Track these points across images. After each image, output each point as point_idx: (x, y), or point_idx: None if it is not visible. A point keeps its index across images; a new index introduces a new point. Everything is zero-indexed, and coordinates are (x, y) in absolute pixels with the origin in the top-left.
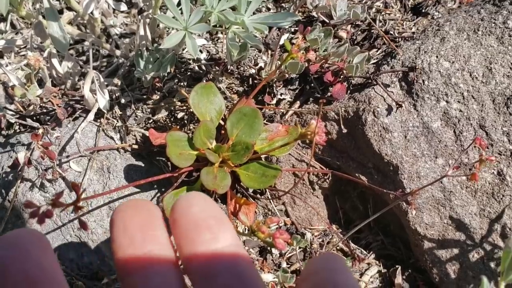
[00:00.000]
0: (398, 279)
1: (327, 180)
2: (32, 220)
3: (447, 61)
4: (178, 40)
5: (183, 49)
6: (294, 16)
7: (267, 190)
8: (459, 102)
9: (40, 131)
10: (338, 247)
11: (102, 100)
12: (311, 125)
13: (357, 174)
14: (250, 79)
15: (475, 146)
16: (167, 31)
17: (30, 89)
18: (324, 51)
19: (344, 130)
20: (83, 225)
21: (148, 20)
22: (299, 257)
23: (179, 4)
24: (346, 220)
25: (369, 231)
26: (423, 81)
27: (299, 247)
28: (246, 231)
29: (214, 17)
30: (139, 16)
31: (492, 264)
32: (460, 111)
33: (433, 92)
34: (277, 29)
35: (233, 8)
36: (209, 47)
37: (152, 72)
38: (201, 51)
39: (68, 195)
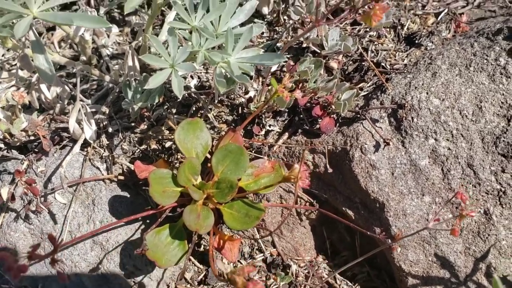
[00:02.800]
0: None
1: (314, 212)
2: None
3: (437, 98)
4: (164, 79)
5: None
6: (280, 58)
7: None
8: (448, 140)
9: (26, 163)
10: (323, 280)
11: (88, 131)
12: (294, 170)
13: (344, 208)
14: (240, 108)
15: (462, 185)
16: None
17: (15, 123)
18: (314, 83)
19: (330, 170)
20: (62, 278)
21: (139, 43)
22: None
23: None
24: (333, 250)
25: (355, 263)
26: (412, 118)
27: (283, 283)
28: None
29: (201, 56)
30: (127, 47)
31: None
32: (449, 149)
33: (422, 130)
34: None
35: (222, 46)
36: (200, 72)
37: (140, 103)
38: (192, 77)
39: (53, 227)
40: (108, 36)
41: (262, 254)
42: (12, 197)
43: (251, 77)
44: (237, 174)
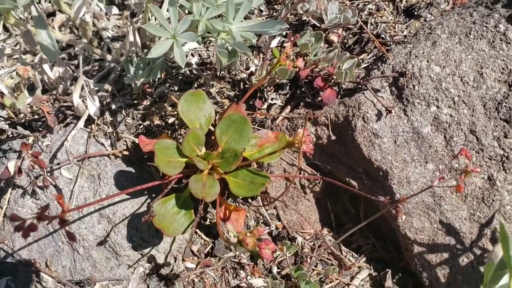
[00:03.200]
0: (388, 283)
1: (318, 184)
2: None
3: (438, 66)
4: (165, 49)
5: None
6: (282, 24)
7: (258, 195)
8: (449, 107)
9: (31, 139)
10: (329, 251)
11: (92, 107)
12: (298, 134)
13: (347, 179)
14: (241, 83)
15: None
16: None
17: (20, 98)
18: (314, 56)
19: (333, 137)
20: (71, 236)
21: (139, 24)
22: (290, 261)
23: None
24: (337, 223)
25: (360, 234)
26: (413, 86)
27: (289, 253)
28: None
29: (202, 25)
30: (128, 23)
31: (482, 268)
32: (451, 116)
33: (424, 97)
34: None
35: (222, 16)
36: (201, 50)
37: (142, 78)
38: (192, 55)
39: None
40: (108, 19)
41: (267, 227)
42: (19, 171)
43: (252, 51)
44: (241, 144)
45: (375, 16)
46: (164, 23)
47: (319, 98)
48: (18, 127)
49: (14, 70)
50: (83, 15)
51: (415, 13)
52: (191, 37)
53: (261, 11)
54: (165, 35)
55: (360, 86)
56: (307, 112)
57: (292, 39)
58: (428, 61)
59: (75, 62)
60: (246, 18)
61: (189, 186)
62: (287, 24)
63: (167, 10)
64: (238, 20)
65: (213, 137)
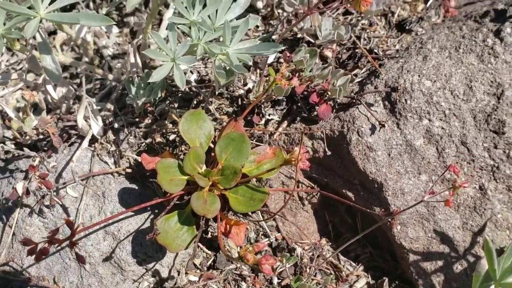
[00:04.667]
0: None
1: (316, 196)
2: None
3: (429, 80)
4: (166, 73)
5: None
6: (277, 47)
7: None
8: (441, 120)
9: (37, 160)
10: (327, 261)
11: (95, 127)
12: (295, 152)
13: (344, 191)
14: (239, 99)
15: (457, 163)
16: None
17: (26, 121)
18: (310, 72)
19: (329, 153)
20: (81, 260)
21: (140, 41)
22: (290, 272)
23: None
24: (335, 233)
25: (358, 244)
26: (405, 100)
27: (289, 263)
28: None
29: (201, 48)
30: (129, 45)
31: None
32: (442, 128)
33: (416, 111)
34: None
35: (219, 38)
36: (200, 67)
37: (143, 98)
38: (191, 72)
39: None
40: (108, 37)
41: (267, 239)
42: (27, 192)
43: (249, 68)
44: (240, 161)
45: (368, 31)
46: (164, 47)
47: (315, 113)
48: (24, 148)
49: (18, 90)
50: (84, 35)
51: (407, 27)
52: (190, 60)
53: (257, 26)
54: (165, 58)
55: (354, 100)
56: (302, 132)
57: (287, 58)
58: (419, 76)
59: (77, 80)
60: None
61: (191, 203)
62: (282, 44)
63: (166, 28)
64: (235, 43)
65: (213, 154)
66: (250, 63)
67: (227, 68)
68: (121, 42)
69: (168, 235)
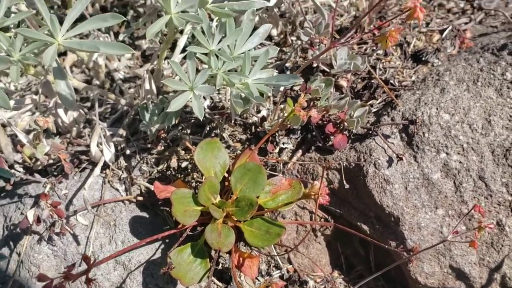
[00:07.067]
0: None
1: (329, 228)
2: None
3: (447, 113)
4: (184, 102)
5: None
6: (296, 78)
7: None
8: (459, 153)
9: (48, 187)
10: None
11: (108, 154)
12: (314, 187)
13: (358, 223)
14: (253, 126)
15: (474, 197)
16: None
17: (39, 147)
18: (325, 101)
19: (346, 186)
20: None
21: (153, 67)
22: None
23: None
24: (347, 265)
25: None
26: (423, 133)
27: None
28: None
29: (220, 78)
30: (144, 71)
31: None
32: (460, 162)
33: (433, 144)
34: None
35: (237, 68)
36: (213, 94)
37: (157, 125)
38: (204, 98)
39: (76, 249)
40: (119, 60)
41: (279, 271)
42: (38, 220)
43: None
44: (255, 192)
45: (383, 61)
46: (183, 76)
47: (330, 143)
48: (35, 174)
49: (27, 112)
50: (96, 58)
51: (423, 58)
52: (208, 90)
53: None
54: (184, 88)
55: (370, 131)
56: (323, 166)
57: (305, 90)
58: (437, 109)
59: (88, 104)
60: None
61: (205, 236)
62: (300, 74)
63: (180, 53)
64: (254, 73)
65: (227, 183)
66: (270, 94)
67: (243, 96)
68: (132, 65)
69: (181, 268)
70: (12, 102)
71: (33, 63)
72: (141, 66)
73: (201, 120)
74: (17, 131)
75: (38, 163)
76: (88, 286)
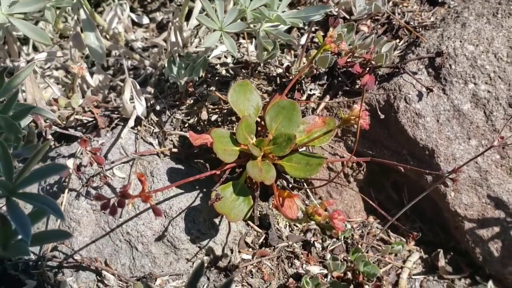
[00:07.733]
0: (442, 262)
1: (361, 172)
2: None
3: (471, 45)
4: (216, 39)
5: (209, 55)
6: (326, 8)
7: (304, 184)
8: (486, 83)
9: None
10: (378, 237)
11: (140, 107)
12: (354, 110)
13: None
14: (278, 78)
15: (506, 125)
16: (191, 41)
17: (73, 98)
18: (349, 45)
19: (382, 116)
20: (157, 212)
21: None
22: (341, 249)
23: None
24: (382, 210)
25: (406, 219)
26: (450, 65)
27: (344, 237)
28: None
29: (250, 15)
30: (169, 24)
31: None
32: (489, 92)
33: (461, 75)
34: (297, 30)
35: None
36: (243, 30)
37: (185, 77)
38: (225, 57)
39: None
40: (135, 32)
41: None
42: (78, 168)
43: (282, 49)
44: (291, 130)
45: (400, 6)
46: (213, 15)
47: (357, 86)
48: (69, 129)
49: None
50: (115, 26)
51: (439, 0)
52: (239, 27)
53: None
54: (214, 26)
55: (397, 70)
56: (363, 86)
57: (333, 23)
58: (461, 41)
59: (110, 72)
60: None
61: (247, 171)
62: (315, 27)
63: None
64: (282, 9)
65: (259, 128)
66: (301, 25)
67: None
68: (148, 36)
69: (225, 205)
70: (44, 54)
71: (67, 5)
72: (156, 37)
73: (235, 55)
74: (51, 83)
75: (71, 118)
76: (146, 202)
